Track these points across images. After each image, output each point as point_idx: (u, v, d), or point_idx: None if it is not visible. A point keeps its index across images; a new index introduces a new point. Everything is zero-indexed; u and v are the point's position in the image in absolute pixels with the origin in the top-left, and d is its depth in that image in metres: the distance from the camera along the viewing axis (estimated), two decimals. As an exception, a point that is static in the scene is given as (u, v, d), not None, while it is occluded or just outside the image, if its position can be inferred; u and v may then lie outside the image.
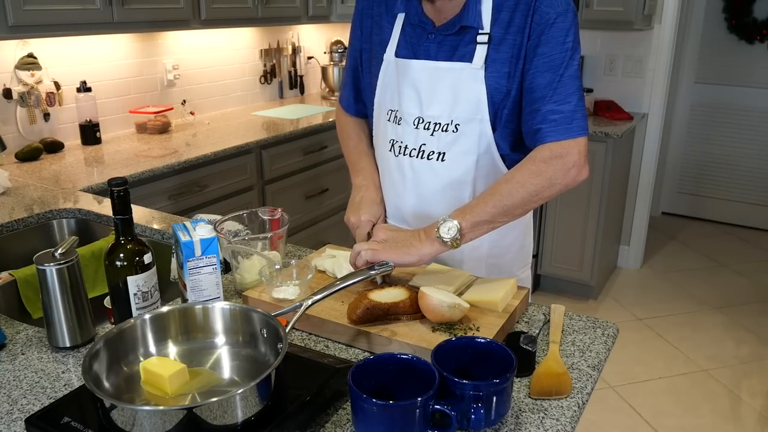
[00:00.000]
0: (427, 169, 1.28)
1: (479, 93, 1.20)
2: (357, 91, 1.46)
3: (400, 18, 1.29)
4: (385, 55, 1.31)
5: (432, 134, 1.26)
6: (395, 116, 1.30)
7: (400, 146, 1.30)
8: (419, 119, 1.27)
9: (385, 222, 1.38)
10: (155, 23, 2.59)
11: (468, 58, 1.20)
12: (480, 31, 1.19)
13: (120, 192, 1.03)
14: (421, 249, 1.13)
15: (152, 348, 0.94)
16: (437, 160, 1.26)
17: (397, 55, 1.29)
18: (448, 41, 1.23)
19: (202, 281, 1.12)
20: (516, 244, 1.39)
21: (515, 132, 1.24)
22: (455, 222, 1.13)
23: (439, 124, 1.25)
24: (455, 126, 1.23)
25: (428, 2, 1.22)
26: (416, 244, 1.14)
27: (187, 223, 1.15)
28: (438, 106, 1.24)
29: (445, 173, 1.27)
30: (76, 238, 1.10)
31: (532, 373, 0.99)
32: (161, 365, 0.87)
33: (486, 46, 1.19)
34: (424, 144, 1.27)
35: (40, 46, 2.52)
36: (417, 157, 1.28)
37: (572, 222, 3.38)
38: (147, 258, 1.07)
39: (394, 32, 1.30)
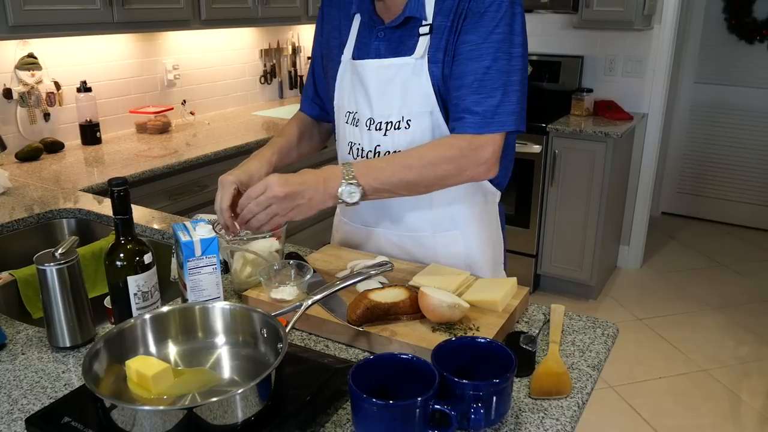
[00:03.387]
0: None
1: (425, 85, 1.19)
2: (314, 92, 1.45)
3: (357, 19, 1.29)
4: (342, 56, 1.30)
5: (385, 134, 1.24)
6: (353, 118, 1.29)
7: (358, 148, 1.29)
8: (370, 120, 1.26)
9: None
10: (155, 23, 2.59)
11: (412, 51, 1.20)
12: (423, 22, 1.18)
13: (120, 192, 1.03)
14: (321, 205, 1.12)
15: (152, 348, 0.94)
16: None
17: (353, 56, 1.28)
18: (395, 37, 1.22)
19: (202, 281, 1.12)
20: (489, 244, 1.38)
21: None
22: (359, 188, 1.11)
23: (391, 122, 1.23)
24: (407, 122, 1.22)
25: (378, 0, 1.22)
26: (317, 200, 1.11)
27: (187, 223, 1.15)
28: (387, 104, 1.23)
29: None
30: (76, 238, 1.10)
31: (532, 373, 0.99)
32: (146, 365, 0.87)
33: (428, 36, 1.18)
34: (379, 145, 1.25)
35: (40, 46, 2.52)
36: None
37: (572, 222, 3.38)
38: (147, 258, 1.07)
39: (351, 34, 1.29)
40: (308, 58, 3.94)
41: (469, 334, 1.02)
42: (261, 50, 3.60)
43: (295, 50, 3.82)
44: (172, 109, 2.99)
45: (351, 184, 1.11)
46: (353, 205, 1.13)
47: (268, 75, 3.68)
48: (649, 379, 2.82)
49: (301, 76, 3.90)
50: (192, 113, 3.17)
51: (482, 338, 0.92)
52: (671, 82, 3.84)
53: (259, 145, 2.75)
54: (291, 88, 3.87)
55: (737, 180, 4.53)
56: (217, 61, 3.34)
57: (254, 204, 1.09)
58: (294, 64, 3.84)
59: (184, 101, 3.17)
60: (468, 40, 1.14)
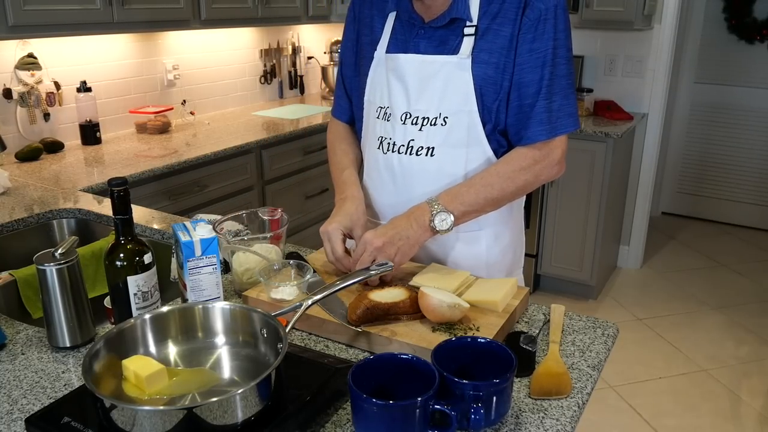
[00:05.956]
0: (416, 165, 1.27)
1: (467, 84, 1.21)
2: (345, 94, 1.47)
3: (392, 17, 1.30)
4: (375, 52, 1.31)
5: (420, 129, 1.25)
6: (385, 113, 1.30)
7: (388, 143, 1.30)
8: (407, 114, 1.26)
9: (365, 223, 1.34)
10: (155, 23, 2.59)
11: (455, 50, 1.21)
12: (468, 23, 1.20)
13: (120, 192, 1.03)
14: (419, 240, 1.19)
15: (152, 348, 0.94)
16: (426, 155, 1.26)
17: (388, 51, 1.29)
18: (437, 35, 1.23)
19: (202, 281, 1.12)
20: (511, 247, 1.39)
21: (503, 124, 1.25)
22: (449, 214, 1.17)
23: (427, 118, 1.25)
24: (443, 119, 1.23)
25: (418, 0, 1.23)
26: (414, 237, 1.18)
27: (187, 223, 1.15)
28: (426, 99, 1.24)
29: (434, 168, 1.26)
30: (76, 238, 1.10)
31: (532, 373, 0.99)
32: (141, 365, 0.87)
33: (473, 37, 1.20)
34: (413, 140, 1.26)
35: (40, 46, 2.52)
36: (406, 153, 1.27)
37: (572, 222, 3.38)
38: (147, 258, 1.07)
39: (385, 30, 1.31)
40: (308, 58, 3.94)
41: (469, 334, 1.02)
42: (261, 50, 3.60)
43: (295, 50, 3.81)
44: (172, 109, 2.99)
45: (441, 211, 1.17)
46: (447, 232, 1.18)
47: (268, 75, 3.68)
48: (649, 379, 2.82)
49: (301, 76, 3.90)
50: (192, 113, 3.17)
51: (482, 338, 0.92)
52: (671, 82, 3.84)
53: (259, 144, 2.76)
54: (291, 88, 3.86)
55: (737, 180, 4.53)
56: (217, 61, 3.34)
57: (359, 265, 1.15)
58: (294, 64, 3.84)
59: (184, 101, 3.17)
60: (533, 48, 1.18)
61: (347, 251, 1.23)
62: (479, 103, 1.21)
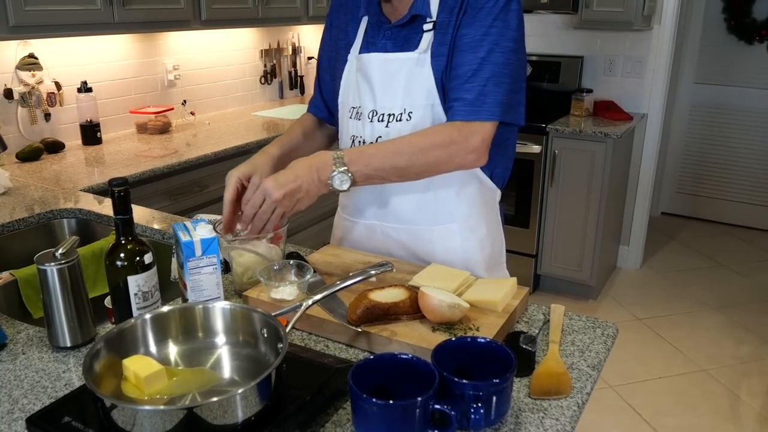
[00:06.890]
0: None
1: (427, 79, 1.22)
2: (320, 95, 1.48)
3: (365, 20, 1.33)
4: (349, 54, 1.34)
5: (387, 126, 1.27)
6: (357, 113, 1.32)
7: (359, 141, 1.32)
8: (373, 112, 1.28)
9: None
10: (155, 23, 2.59)
11: (416, 47, 1.24)
12: (428, 19, 1.23)
13: (120, 192, 1.04)
14: (318, 193, 1.17)
15: (152, 348, 0.94)
16: None
17: (360, 52, 1.32)
18: (401, 35, 1.26)
19: (203, 281, 1.12)
20: (488, 240, 1.39)
21: None
22: (349, 175, 1.15)
23: (393, 114, 1.26)
24: (408, 114, 1.25)
25: (385, 2, 1.26)
26: (314, 191, 1.16)
27: (188, 223, 1.16)
28: (390, 96, 1.26)
29: None
30: (76, 238, 1.11)
31: (532, 373, 0.99)
32: (141, 365, 0.87)
33: (431, 32, 1.22)
34: (380, 137, 1.28)
35: (41, 47, 2.52)
36: None
37: (572, 222, 3.38)
38: (147, 258, 1.07)
39: (358, 34, 1.33)
40: (309, 58, 3.94)
41: (469, 334, 1.02)
42: (261, 50, 3.60)
43: (295, 50, 3.82)
44: (172, 109, 2.99)
45: (342, 171, 1.14)
46: (344, 192, 1.17)
47: (269, 75, 3.68)
48: (649, 379, 2.82)
49: (302, 77, 3.91)
50: (192, 113, 3.17)
51: (482, 338, 0.92)
52: (671, 82, 3.84)
53: (259, 145, 2.76)
54: (291, 89, 3.87)
55: (737, 180, 4.53)
56: (217, 61, 3.35)
57: (260, 213, 1.13)
58: (294, 65, 3.84)
59: (185, 101, 3.18)
60: (466, 33, 1.19)
61: (239, 201, 1.21)
62: (441, 96, 1.23)
